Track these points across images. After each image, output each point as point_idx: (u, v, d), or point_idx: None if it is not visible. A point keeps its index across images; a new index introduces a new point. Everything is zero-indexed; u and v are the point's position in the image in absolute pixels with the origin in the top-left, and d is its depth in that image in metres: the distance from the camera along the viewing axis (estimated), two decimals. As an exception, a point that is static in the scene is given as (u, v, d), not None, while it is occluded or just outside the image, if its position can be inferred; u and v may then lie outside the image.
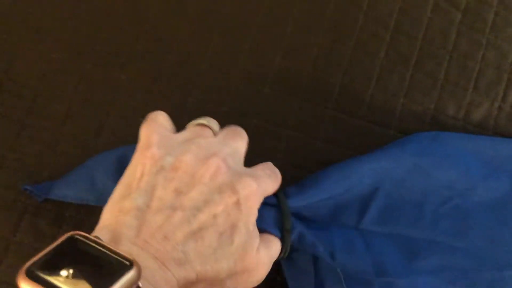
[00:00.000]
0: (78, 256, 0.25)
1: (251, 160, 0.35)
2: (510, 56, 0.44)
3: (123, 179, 0.32)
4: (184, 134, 0.34)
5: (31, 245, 0.39)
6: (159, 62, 0.42)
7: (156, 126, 0.33)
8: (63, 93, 0.41)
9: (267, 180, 0.33)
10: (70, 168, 0.39)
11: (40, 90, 0.41)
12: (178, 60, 0.42)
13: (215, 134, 0.35)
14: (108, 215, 0.31)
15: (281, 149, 0.42)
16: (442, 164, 0.40)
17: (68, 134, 0.41)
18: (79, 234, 0.25)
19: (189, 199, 0.30)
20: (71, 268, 0.24)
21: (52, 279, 0.23)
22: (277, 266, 0.35)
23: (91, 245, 0.25)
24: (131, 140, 0.35)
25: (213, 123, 0.35)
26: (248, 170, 0.33)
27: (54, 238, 0.38)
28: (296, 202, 0.36)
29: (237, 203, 0.31)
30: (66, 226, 0.39)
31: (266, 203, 0.34)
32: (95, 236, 0.26)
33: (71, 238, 0.25)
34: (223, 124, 0.36)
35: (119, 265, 0.24)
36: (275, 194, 0.35)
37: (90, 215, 0.39)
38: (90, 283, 0.23)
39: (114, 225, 0.29)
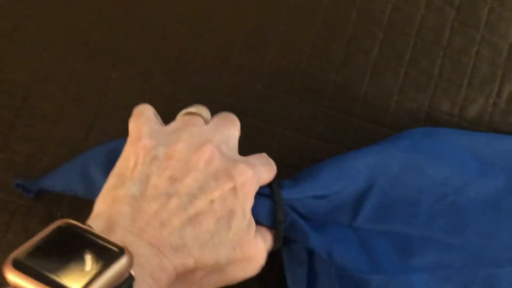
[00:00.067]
0: (67, 245, 0.24)
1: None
2: (504, 52, 0.44)
3: (115, 169, 0.32)
4: (174, 124, 0.34)
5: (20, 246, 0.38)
6: (150, 61, 0.42)
7: (144, 119, 0.33)
8: (53, 92, 0.41)
9: (262, 168, 0.33)
10: (61, 168, 0.38)
11: (30, 90, 0.41)
12: (169, 58, 0.42)
13: (206, 121, 0.35)
14: (101, 204, 0.30)
15: (274, 147, 0.41)
16: (437, 160, 0.39)
17: (58, 134, 0.40)
18: (69, 222, 0.25)
19: (184, 185, 0.30)
20: (60, 257, 0.23)
21: (40, 269, 0.22)
22: (270, 264, 0.35)
23: (81, 233, 0.24)
24: (122, 139, 0.34)
25: (204, 111, 0.35)
26: (242, 157, 0.33)
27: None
28: (291, 194, 0.36)
29: (234, 189, 0.31)
30: (57, 226, 0.39)
31: (260, 194, 0.34)
32: (87, 225, 0.25)
33: (60, 227, 0.25)
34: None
35: (110, 253, 0.24)
36: (269, 185, 0.35)
37: (82, 214, 0.39)
38: (79, 272, 0.23)
39: (108, 213, 0.29)
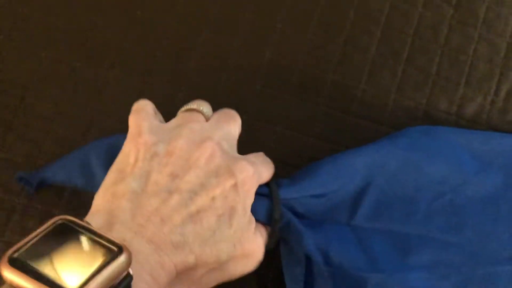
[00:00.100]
0: (65, 242, 0.23)
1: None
2: (502, 50, 0.44)
3: (115, 165, 0.32)
4: (174, 121, 0.34)
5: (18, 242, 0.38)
6: (148, 60, 0.42)
7: (144, 115, 0.33)
8: (51, 91, 0.41)
9: (261, 166, 0.33)
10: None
11: (29, 89, 0.41)
12: (167, 57, 0.42)
13: (207, 117, 0.34)
14: (100, 200, 0.30)
15: (273, 146, 0.41)
16: (434, 158, 0.39)
17: (56, 133, 0.40)
18: (67, 219, 0.24)
19: (185, 182, 0.30)
20: (57, 255, 0.23)
21: (37, 267, 0.22)
22: (268, 261, 0.35)
23: (79, 230, 0.24)
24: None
25: (205, 106, 0.35)
26: (241, 155, 0.33)
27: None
28: (289, 193, 0.36)
29: (235, 186, 0.31)
30: (55, 225, 0.39)
31: (258, 193, 0.34)
32: (85, 221, 0.25)
33: (58, 223, 0.24)
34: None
35: (108, 251, 0.23)
36: (267, 184, 0.35)
37: (80, 213, 0.39)
38: (77, 270, 0.22)
39: (107, 209, 0.29)
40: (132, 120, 0.33)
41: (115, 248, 0.23)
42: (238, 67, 0.42)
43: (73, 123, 0.40)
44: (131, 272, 0.24)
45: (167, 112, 0.36)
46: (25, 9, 0.42)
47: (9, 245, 0.38)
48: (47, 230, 0.24)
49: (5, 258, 0.22)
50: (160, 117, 0.35)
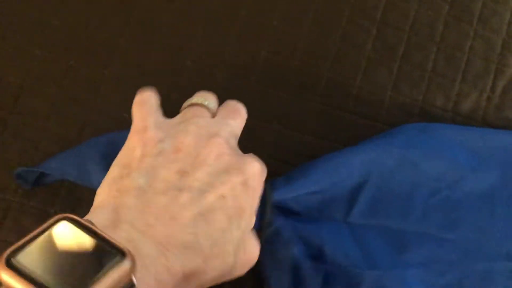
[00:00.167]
0: (65, 244, 0.22)
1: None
2: (498, 47, 0.44)
3: (119, 159, 0.30)
4: (179, 116, 0.32)
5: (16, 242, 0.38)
6: (143, 58, 0.42)
7: (149, 108, 0.32)
8: (46, 90, 0.41)
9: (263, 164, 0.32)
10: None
11: (23, 87, 0.41)
12: (162, 55, 0.42)
13: (213, 111, 0.33)
14: (104, 195, 0.29)
15: (267, 143, 0.41)
16: (431, 155, 0.39)
17: (51, 131, 0.40)
18: (69, 217, 0.23)
19: (195, 180, 0.28)
20: (57, 257, 0.21)
21: (35, 270, 0.21)
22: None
23: (81, 231, 0.22)
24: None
25: (210, 100, 0.34)
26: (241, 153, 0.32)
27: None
28: (284, 194, 0.36)
29: (244, 185, 0.29)
30: (50, 223, 0.38)
31: None
32: (88, 220, 0.23)
33: (60, 223, 0.23)
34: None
35: (111, 255, 0.22)
36: None
37: (76, 211, 0.39)
38: (76, 275, 0.21)
39: (112, 205, 0.27)
40: (136, 112, 0.32)
41: (119, 253, 0.22)
42: (234, 64, 0.42)
43: (69, 121, 0.40)
44: (134, 280, 0.22)
45: (163, 110, 0.36)
46: (18, 7, 0.42)
47: (5, 243, 0.38)
48: (48, 229, 0.22)
49: (2, 259, 0.20)
50: (161, 110, 0.34)
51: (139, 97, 0.33)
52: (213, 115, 0.33)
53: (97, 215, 0.27)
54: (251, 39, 0.43)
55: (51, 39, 0.42)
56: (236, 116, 0.33)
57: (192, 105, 0.33)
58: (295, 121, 0.42)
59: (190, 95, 0.41)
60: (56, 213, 0.38)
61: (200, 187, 0.28)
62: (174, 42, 0.42)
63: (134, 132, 0.31)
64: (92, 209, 0.28)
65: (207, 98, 0.34)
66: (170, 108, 0.40)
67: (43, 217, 0.39)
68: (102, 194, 0.29)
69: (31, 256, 0.21)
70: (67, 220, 0.23)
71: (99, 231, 0.22)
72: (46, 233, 0.22)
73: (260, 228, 0.34)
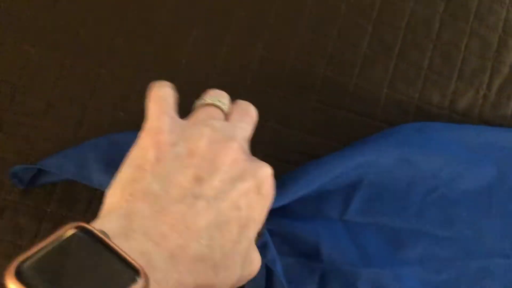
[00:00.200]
0: (77, 257, 0.21)
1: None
2: (494, 45, 0.44)
3: (130, 160, 0.29)
4: (194, 117, 0.31)
5: (12, 241, 0.38)
6: (139, 56, 0.42)
7: (166, 106, 0.30)
8: (42, 88, 0.41)
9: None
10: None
11: (19, 86, 0.41)
12: (158, 53, 0.42)
13: (226, 112, 0.32)
14: (116, 197, 0.27)
15: (264, 141, 0.41)
16: (427, 154, 0.39)
17: (47, 130, 0.40)
18: (82, 227, 0.22)
19: (211, 187, 0.27)
20: (67, 272, 0.21)
21: (44, 283, 0.20)
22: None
23: (94, 244, 0.22)
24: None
25: (224, 101, 0.32)
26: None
27: (35, 235, 0.38)
28: (280, 202, 0.36)
29: (258, 192, 0.29)
30: (46, 222, 0.38)
31: None
32: (102, 231, 0.22)
33: (72, 232, 0.22)
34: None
35: (124, 273, 0.21)
36: None
37: (72, 210, 0.39)
38: None
39: (124, 210, 0.26)
40: (152, 109, 0.30)
41: (133, 271, 0.21)
42: (229, 62, 0.42)
43: (64, 120, 0.40)
44: None
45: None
46: (13, 6, 0.42)
47: (2, 242, 0.38)
48: (60, 239, 0.21)
49: (12, 270, 0.20)
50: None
51: (157, 92, 0.31)
52: (226, 116, 0.32)
53: (109, 221, 0.26)
54: (247, 38, 0.43)
55: (46, 37, 0.42)
56: (248, 120, 0.32)
57: (207, 105, 0.32)
58: (291, 120, 0.42)
59: (186, 93, 0.41)
60: (52, 212, 0.39)
61: (216, 195, 0.27)
62: (170, 42, 0.42)
63: (147, 131, 0.29)
64: (102, 212, 0.27)
65: (220, 98, 0.32)
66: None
67: (39, 216, 0.39)
68: (114, 197, 0.28)
69: (41, 267, 0.20)
70: (80, 230, 0.22)
71: (113, 246, 0.22)
72: (58, 244, 0.21)
73: None
